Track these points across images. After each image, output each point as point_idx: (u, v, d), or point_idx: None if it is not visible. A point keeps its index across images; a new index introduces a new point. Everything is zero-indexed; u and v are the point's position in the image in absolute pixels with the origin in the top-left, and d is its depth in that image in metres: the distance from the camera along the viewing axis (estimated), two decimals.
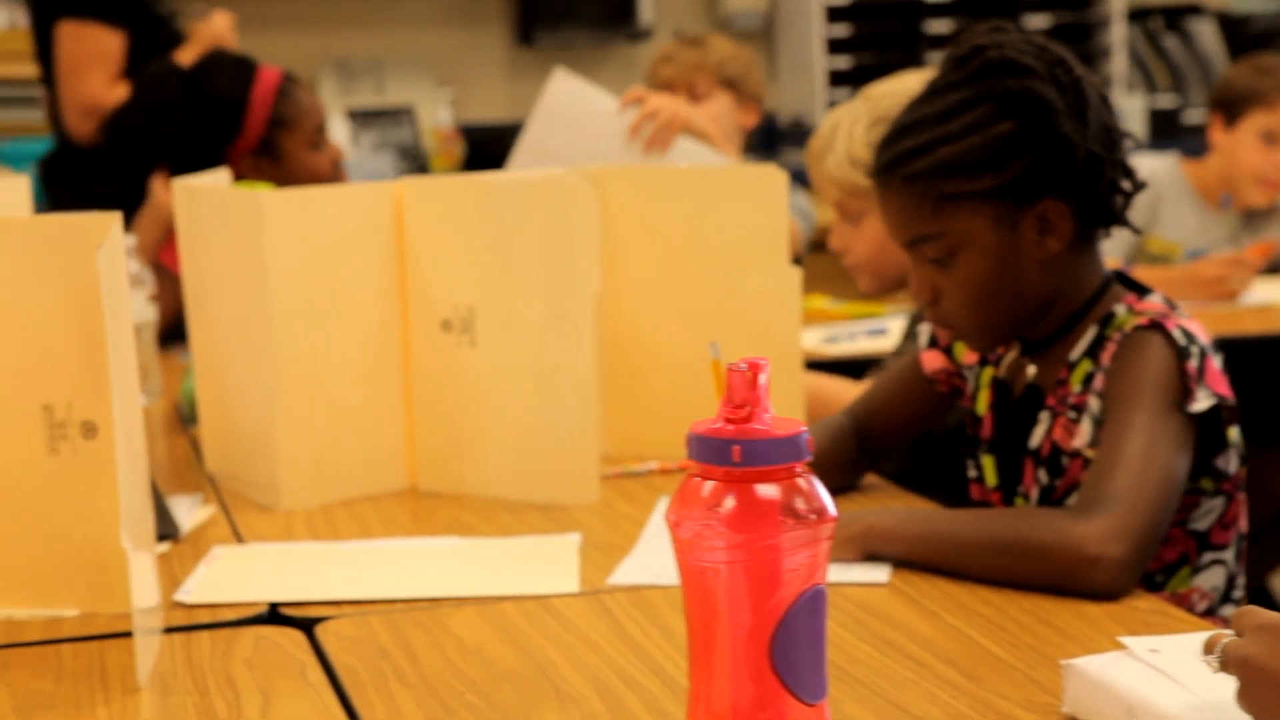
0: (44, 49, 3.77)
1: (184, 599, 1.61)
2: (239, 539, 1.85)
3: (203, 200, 2.06)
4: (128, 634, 1.51)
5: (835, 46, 5.30)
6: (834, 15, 5.30)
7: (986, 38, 1.73)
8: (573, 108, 3.24)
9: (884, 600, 1.55)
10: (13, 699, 1.39)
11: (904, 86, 2.44)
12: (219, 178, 2.27)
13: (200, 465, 2.16)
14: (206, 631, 1.54)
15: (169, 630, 1.53)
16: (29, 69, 4.72)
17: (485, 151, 5.04)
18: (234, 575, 1.69)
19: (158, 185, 2.98)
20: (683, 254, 2.11)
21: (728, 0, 5.58)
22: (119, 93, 3.49)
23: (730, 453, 1.08)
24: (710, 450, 1.09)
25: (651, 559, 1.71)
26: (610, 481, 2.02)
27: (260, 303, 1.94)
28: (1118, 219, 1.75)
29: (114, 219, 1.50)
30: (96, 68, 3.55)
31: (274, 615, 1.58)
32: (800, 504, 1.08)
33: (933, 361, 1.92)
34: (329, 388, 2.00)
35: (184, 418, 2.42)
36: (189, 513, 1.93)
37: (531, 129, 3.06)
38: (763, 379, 1.09)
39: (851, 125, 2.44)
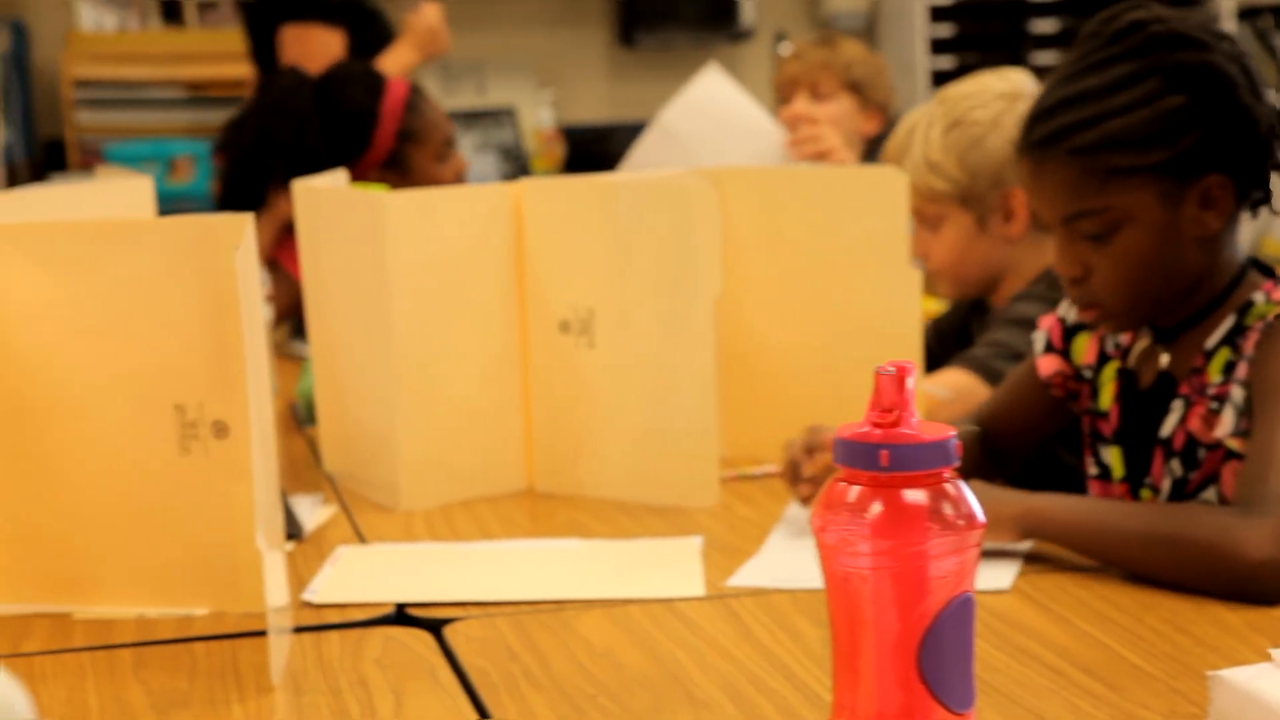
0: (262, 56, 3.83)
1: (311, 599, 1.62)
2: (361, 539, 1.86)
3: (324, 201, 2.07)
4: (258, 633, 1.52)
5: (938, 47, 5.26)
6: (937, 15, 5.26)
7: (1143, 13, 1.70)
8: (715, 104, 3.24)
9: (1012, 606, 1.53)
10: (149, 696, 1.40)
11: (980, 88, 2.41)
12: (338, 178, 2.28)
13: (318, 465, 2.18)
14: (335, 631, 1.54)
15: (299, 630, 1.53)
16: (135, 70, 4.79)
17: (586, 152, 5.05)
18: (359, 575, 1.70)
19: (276, 193, 3.00)
20: (801, 255, 2.10)
21: (830, 1, 5.55)
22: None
23: (878, 457, 1.06)
24: (857, 454, 1.07)
25: (776, 561, 1.69)
26: (727, 484, 2.01)
27: (381, 303, 1.95)
28: (1269, 198, 1.73)
29: (246, 220, 1.51)
30: (314, 68, 3.62)
31: (401, 616, 1.58)
32: (948, 510, 1.07)
33: (1048, 366, 1.90)
34: (448, 389, 2.00)
35: (300, 417, 2.44)
36: (310, 512, 1.94)
37: (669, 113, 3.06)
38: (910, 383, 1.08)
39: (928, 129, 2.42)
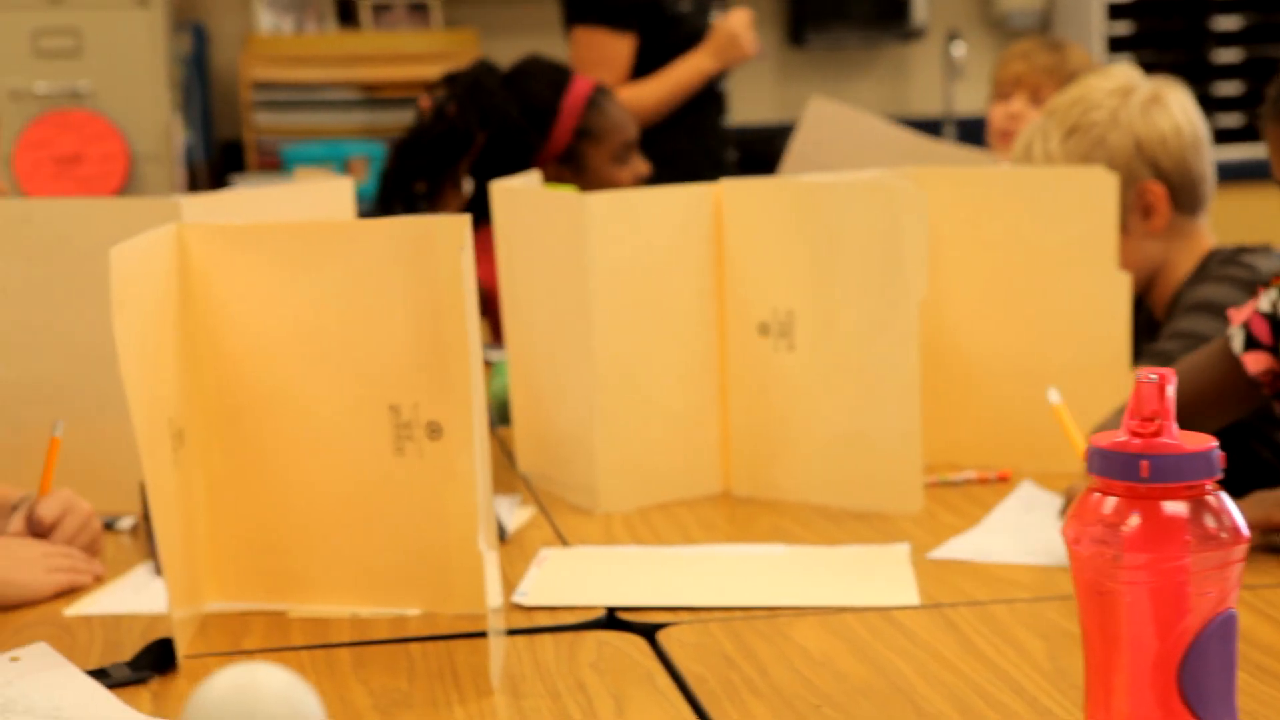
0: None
1: (522, 601, 1.62)
2: (563, 541, 1.85)
3: (522, 202, 2.07)
4: (473, 634, 1.52)
5: (1116, 45, 5.15)
6: (1115, 12, 5.16)
7: None
8: (836, 127, 3.22)
9: (1246, 621, 1.48)
10: (370, 696, 1.40)
11: (1087, 90, 2.35)
12: (532, 180, 2.28)
13: (512, 465, 2.18)
14: (549, 635, 1.54)
15: (512, 632, 1.53)
16: (311, 73, 4.85)
17: (756, 152, 5.02)
18: (567, 578, 1.69)
19: (465, 185, 3.02)
20: (1005, 257, 2.06)
21: None
22: (623, 95, 3.57)
23: (1138, 468, 1.03)
24: (1115, 465, 1.04)
25: (982, 540, 1.68)
26: (928, 490, 1.98)
27: (581, 305, 1.95)
28: None
29: (464, 221, 1.51)
30: (596, 72, 3.65)
31: (612, 620, 1.57)
32: (1211, 523, 1.03)
33: (1257, 363, 1.84)
34: (646, 391, 1.99)
35: (490, 418, 2.44)
36: (509, 514, 1.94)
37: (793, 156, 3.06)
38: (1170, 390, 1.04)
39: (1045, 143, 2.35)
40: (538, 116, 2.98)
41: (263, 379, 1.60)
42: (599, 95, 3.02)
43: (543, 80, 3.02)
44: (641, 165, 3.06)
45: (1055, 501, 1.88)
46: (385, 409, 1.57)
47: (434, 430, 1.57)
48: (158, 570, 1.76)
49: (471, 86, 3.04)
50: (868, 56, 5.35)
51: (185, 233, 1.59)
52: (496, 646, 1.42)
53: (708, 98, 3.76)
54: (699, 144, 3.72)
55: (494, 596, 1.44)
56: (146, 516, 1.91)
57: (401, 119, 4.90)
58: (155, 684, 1.44)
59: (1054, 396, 1.62)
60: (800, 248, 1.96)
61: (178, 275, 1.58)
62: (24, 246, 1.98)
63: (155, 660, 1.46)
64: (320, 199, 2.14)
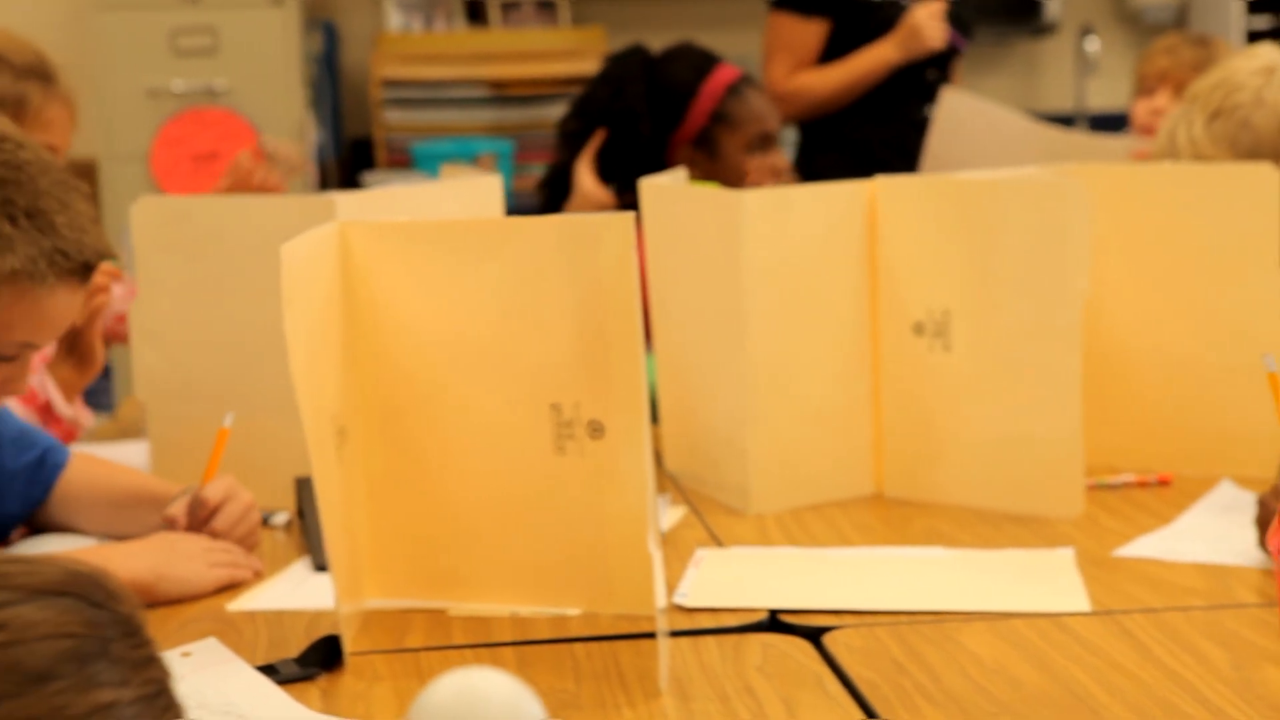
0: None
1: (683, 602, 1.60)
2: (718, 542, 1.84)
3: (673, 199, 2.06)
4: (636, 635, 1.51)
5: (1255, 39, 5.05)
6: (1255, 6, 5.06)
7: None
8: (970, 121, 3.17)
9: None
10: (553, 696, 1.39)
11: (1228, 73, 2.28)
12: (678, 177, 2.27)
13: (659, 464, 2.16)
14: (712, 637, 1.52)
15: (674, 634, 1.52)
16: (440, 70, 4.87)
17: None
18: (725, 579, 1.68)
19: (582, 172, 2.99)
20: (1167, 256, 2.01)
21: None
22: (801, 80, 3.57)
23: None
24: None
25: (1173, 541, 1.68)
26: (1086, 494, 1.94)
27: (734, 303, 1.93)
28: None
29: (628, 219, 1.50)
30: (781, 56, 3.66)
31: (775, 623, 1.55)
32: None
33: None
34: (799, 391, 1.97)
35: None
36: (662, 513, 1.93)
37: (931, 153, 3.01)
38: None
39: (1189, 129, 2.28)
40: (673, 99, 2.98)
41: (423, 377, 1.60)
42: (742, 84, 2.99)
43: (685, 64, 3.01)
44: (779, 159, 3.03)
45: (1252, 504, 1.82)
46: (546, 408, 1.57)
47: (595, 429, 1.56)
48: (316, 566, 1.76)
49: (608, 70, 3.05)
50: (999, 52, 5.28)
51: (347, 230, 1.59)
52: (664, 648, 1.41)
53: (910, 87, 3.70)
54: (890, 135, 3.67)
55: (662, 598, 1.42)
56: (301, 512, 1.93)
57: (529, 116, 4.92)
58: (323, 681, 1.44)
59: (1270, 363, 1.55)
60: (957, 246, 1.93)
61: (340, 273, 1.58)
62: (184, 243, 1.99)
63: (323, 657, 1.46)
64: (470, 196, 2.14)
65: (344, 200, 1.93)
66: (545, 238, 1.55)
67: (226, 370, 2.00)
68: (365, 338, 1.59)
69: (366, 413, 1.61)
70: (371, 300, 1.59)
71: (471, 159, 4.84)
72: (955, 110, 3.22)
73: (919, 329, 1.97)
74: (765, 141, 3.02)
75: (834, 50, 3.66)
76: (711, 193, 2.02)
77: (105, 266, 2.11)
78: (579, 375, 1.55)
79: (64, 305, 1.63)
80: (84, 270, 1.63)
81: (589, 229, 1.53)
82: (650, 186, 2.10)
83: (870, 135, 3.68)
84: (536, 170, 4.87)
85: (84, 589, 0.77)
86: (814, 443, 1.98)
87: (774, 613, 1.57)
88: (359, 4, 5.06)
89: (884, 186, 1.99)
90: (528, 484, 1.58)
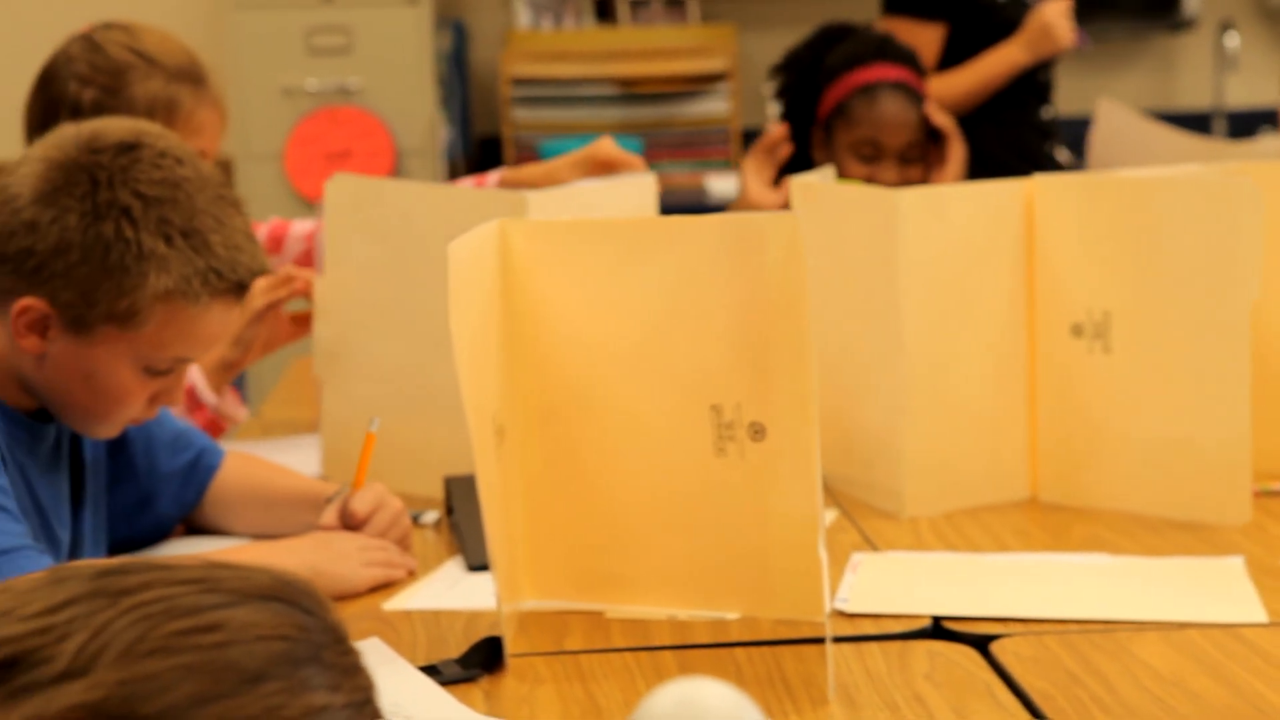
0: None
1: (843, 608, 1.58)
2: (873, 546, 1.81)
3: (825, 197, 2.03)
4: (800, 640, 1.48)
5: None
6: None
7: None
8: (1128, 132, 3.12)
9: None
10: None
11: None
12: (826, 175, 2.24)
13: None
14: (875, 643, 1.49)
15: (837, 639, 1.49)
16: (569, 68, 4.87)
17: None
18: (885, 584, 1.65)
19: (749, 174, 2.97)
20: None
21: None
22: (929, 87, 3.58)
23: None
24: None
25: None
26: (1253, 500, 1.88)
27: (889, 303, 1.90)
28: None
29: (792, 219, 1.48)
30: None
31: (939, 629, 1.52)
32: None
33: None
34: (954, 392, 1.93)
35: None
36: None
37: (1096, 157, 2.97)
38: None
39: None
40: (819, 76, 2.97)
41: (582, 376, 1.59)
42: (881, 88, 2.95)
43: (851, 49, 2.99)
44: (886, 175, 2.96)
45: None
46: (707, 409, 1.55)
47: (757, 431, 1.54)
48: (469, 565, 1.76)
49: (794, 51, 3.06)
50: (1134, 48, 5.19)
51: (507, 229, 1.58)
52: (832, 655, 1.38)
53: (1025, 89, 3.64)
54: (1009, 137, 3.62)
55: (829, 603, 1.40)
56: (450, 510, 1.92)
57: (658, 114, 4.91)
58: (485, 683, 1.43)
59: None
60: (1119, 246, 1.89)
61: (500, 271, 1.57)
62: (372, 224, 2.02)
63: (485, 658, 1.45)
64: (625, 196, 2.12)
65: (536, 198, 1.93)
66: (708, 237, 1.53)
67: (396, 357, 2.02)
68: (524, 336, 1.58)
69: (524, 412, 1.59)
70: (531, 298, 1.58)
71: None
72: (1111, 119, 3.17)
73: (1078, 330, 1.93)
74: (875, 152, 2.96)
75: (951, 54, 3.60)
76: (865, 191, 2.00)
77: (300, 281, 2.14)
78: (740, 377, 1.53)
79: (217, 323, 1.64)
80: (238, 289, 1.63)
81: (753, 228, 1.51)
82: (800, 185, 2.07)
83: (989, 138, 3.62)
84: (665, 169, 4.86)
85: (293, 595, 0.77)
86: (969, 445, 1.95)
87: (937, 619, 1.54)
88: (489, 2, 5.07)
89: (1042, 185, 1.95)
90: (687, 486, 1.57)
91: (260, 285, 2.13)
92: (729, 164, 4.82)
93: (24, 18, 4.57)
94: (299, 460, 2.10)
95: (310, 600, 0.77)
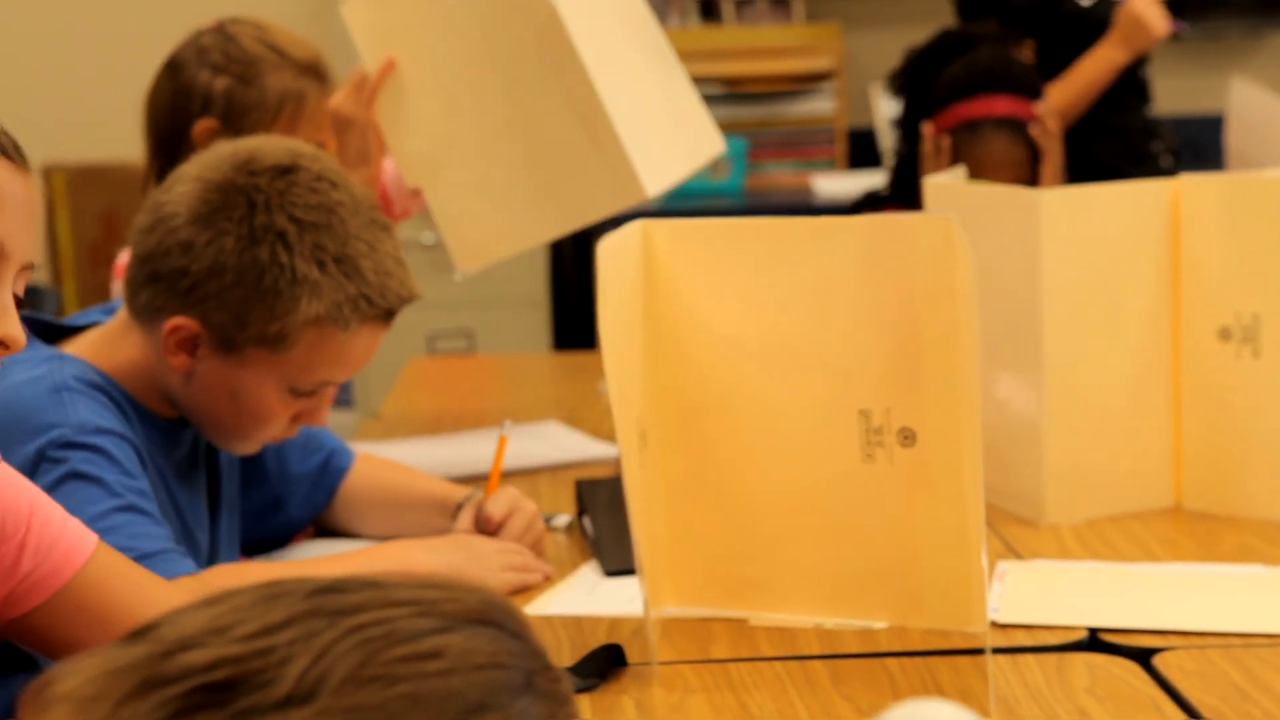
0: None
1: (994, 618, 1.54)
2: (1015, 554, 1.77)
3: (960, 197, 1.99)
4: (954, 651, 1.45)
5: None
6: None
7: None
8: (1263, 114, 3.05)
9: None
10: (859, 715, 1.34)
11: None
12: (958, 174, 2.20)
13: None
14: (1032, 655, 1.45)
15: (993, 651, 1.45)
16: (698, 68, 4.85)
17: None
18: (1036, 594, 1.61)
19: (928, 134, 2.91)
20: None
21: None
22: None
23: None
24: None
25: None
26: None
27: (1030, 305, 1.86)
28: None
29: (949, 221, 1.44)
30: None
31: (1096, 642, 1.48)
32: None
33: None
34: (1096, 397, 1.89)
35: None
36: None
37: (1232, 146, 2.90)
38: None
39: None
40: (933, 99, 2.91)
41: (725, 380, 1.56)
42: (984, 127, 2.85)
43: (965, 67, 2.93)
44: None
45: None
46: (854, 414, 1.51)
47: (906, 437, 1.50)
48: (606, 571, 1.74)
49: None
50: (1248, 46, 5.09)
51: (650, 229, 1.55)
52: (993, 667, 1.35)
53: (1125, 88, 3.58)
54: (1116, 141, 3.55)
55: (988, 614, 1.36)
56: (581, 514, 1.90)
57: (763, 113, 4.87)
58: (635, 691, 1.40)
59: None
60: (1268, 247, 1.84)
61: (643, 271, 1.54)
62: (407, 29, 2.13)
63: (601, 667, 1.43)
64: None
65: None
66: (859, 238, 1.50)
67: (480, 130, 2.15)
68: (667, 338, 1.56)
69: (666, 415, 1.57)
70: (674, 300, 1.55)
71: None
72: (1246, 101, 3.09)
73: (1225, 334, 1.88)
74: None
75: (1044, 68, 3.53)
76: (1006, 191, 1.96)
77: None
78: (890, 381, 1.50)
79: (364, 347, 1.63)
80: (387, 316, 1.62)
81: (906, 230, 1.47)
82: (935, 185, 2.04)
83: (1096, 145, 3.55)
84: (770, 169, 4.84)
85: (503, 618, 0.74)
86: (1111, 451, 1.90)
87: (1094, 631, 1.50)
88: None
89: (1188, 185, 1.90)
90: (833, 492, 1.53)
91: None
92: (834, 163, 4.78)
93: (135, 15, 4.60)
94: (417, 458, 2.09)
95: (516, 623, 0.75)
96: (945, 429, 1.47)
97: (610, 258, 1.42)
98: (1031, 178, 2.87)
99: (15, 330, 1.19)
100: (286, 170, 1.60)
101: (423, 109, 2.19)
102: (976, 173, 2.83)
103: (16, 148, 1.21)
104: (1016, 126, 2.86)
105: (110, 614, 1.31)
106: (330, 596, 0.72)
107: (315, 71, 2.21)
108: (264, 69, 2.15)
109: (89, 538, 1.33)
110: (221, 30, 2.21)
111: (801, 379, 1.53)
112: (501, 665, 0.72)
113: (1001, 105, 2.86)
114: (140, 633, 0.72)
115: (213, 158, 1.62)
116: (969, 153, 2.83)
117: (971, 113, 2.86)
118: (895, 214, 1.53)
